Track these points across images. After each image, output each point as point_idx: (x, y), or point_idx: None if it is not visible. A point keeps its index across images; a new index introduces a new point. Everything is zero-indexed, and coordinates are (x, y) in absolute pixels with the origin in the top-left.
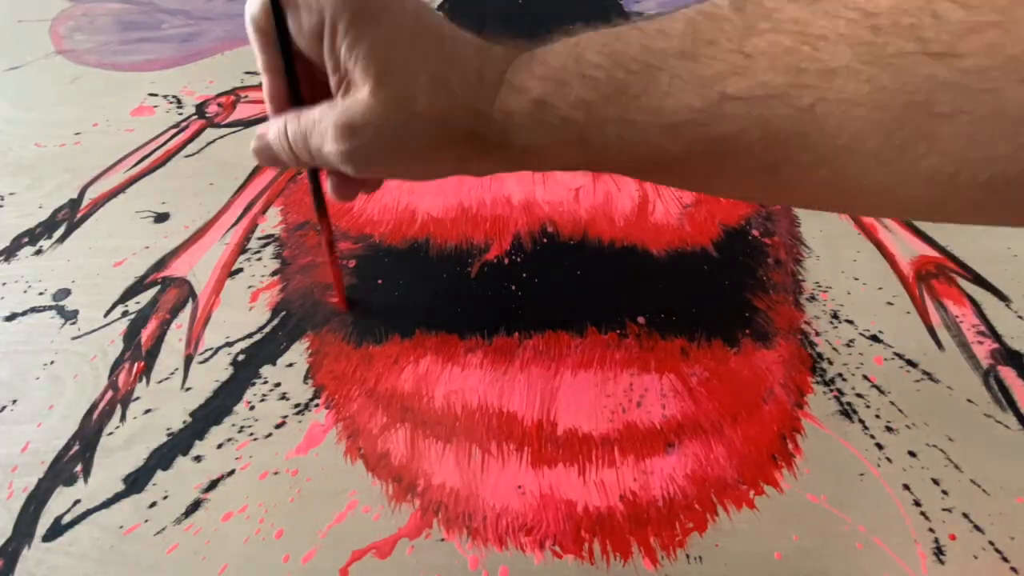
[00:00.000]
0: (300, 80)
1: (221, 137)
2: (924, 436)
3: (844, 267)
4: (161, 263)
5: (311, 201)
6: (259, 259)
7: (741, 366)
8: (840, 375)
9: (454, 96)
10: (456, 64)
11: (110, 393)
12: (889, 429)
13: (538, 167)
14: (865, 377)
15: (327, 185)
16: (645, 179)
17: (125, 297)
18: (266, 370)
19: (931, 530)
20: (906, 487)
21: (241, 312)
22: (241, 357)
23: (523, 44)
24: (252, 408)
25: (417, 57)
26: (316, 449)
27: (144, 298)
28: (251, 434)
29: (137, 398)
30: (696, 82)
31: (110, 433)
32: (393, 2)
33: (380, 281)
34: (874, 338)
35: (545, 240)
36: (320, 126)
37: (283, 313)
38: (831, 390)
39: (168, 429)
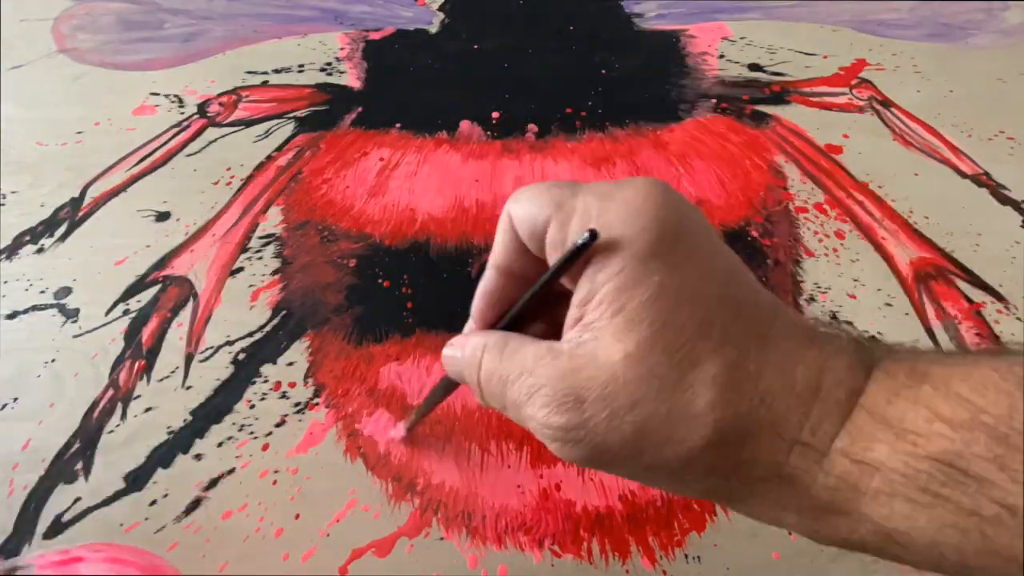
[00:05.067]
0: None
1: (223, 136)
2: None
3: (843, 268)
4: (162, 262)
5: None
6: (260, 258)
7: None
8: None
9: (762, 405)
10: (778, 356)
11: (111, 391)
12: None
13: (889, 554)
14: None
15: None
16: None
17: (126, 295)
18: (266, 369)
19: None
20: None
21: (242, 311)
22: (242, 356)
23: (882, 345)
24: (252, 407)
25: (712, 326)
26: (316, 448)
27: (145, 296)
28: (251, 433)
29: (138, 396)
30: None
31: (111, 431)
32: (705, 239)
33: (380, 281)
34: (873, 340)
35: None
36: (530, 380)
37: (284, 312)
38: None
39: (169, 427)
